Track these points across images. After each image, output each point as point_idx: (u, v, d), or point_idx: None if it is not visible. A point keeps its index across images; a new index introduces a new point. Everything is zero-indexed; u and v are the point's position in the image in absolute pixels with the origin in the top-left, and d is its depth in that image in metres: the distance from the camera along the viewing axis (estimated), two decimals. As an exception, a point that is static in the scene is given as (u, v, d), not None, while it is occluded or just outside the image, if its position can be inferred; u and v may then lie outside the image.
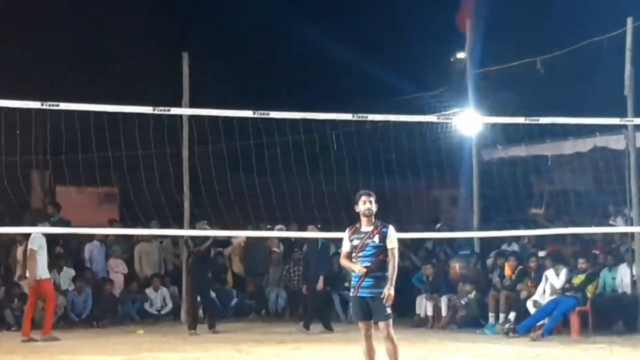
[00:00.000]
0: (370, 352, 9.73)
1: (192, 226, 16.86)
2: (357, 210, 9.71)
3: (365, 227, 9.62)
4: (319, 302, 16.44)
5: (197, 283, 16.17)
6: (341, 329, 16.38)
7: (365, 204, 9.61)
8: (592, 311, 15.15)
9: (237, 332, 16.02)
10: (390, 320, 9.60)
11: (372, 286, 9.50)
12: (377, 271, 9.51)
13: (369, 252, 9.52)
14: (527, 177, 21.21)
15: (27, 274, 15.08)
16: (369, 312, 9.56)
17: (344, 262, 9.86)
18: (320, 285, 16.09)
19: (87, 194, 22.45)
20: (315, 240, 16.57)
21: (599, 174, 18.37)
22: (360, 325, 9.69)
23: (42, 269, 14.98)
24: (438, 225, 19.24)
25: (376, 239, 9.55)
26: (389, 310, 9.54)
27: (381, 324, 9.55)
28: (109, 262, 18.63)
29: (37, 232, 14.81)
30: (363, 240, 9.54)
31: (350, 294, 9.73)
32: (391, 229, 9.66)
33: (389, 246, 9.59)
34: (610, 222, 18.20)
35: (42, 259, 15.00)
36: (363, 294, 9.53)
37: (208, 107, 13.38)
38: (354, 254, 9.60)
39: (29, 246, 14.91)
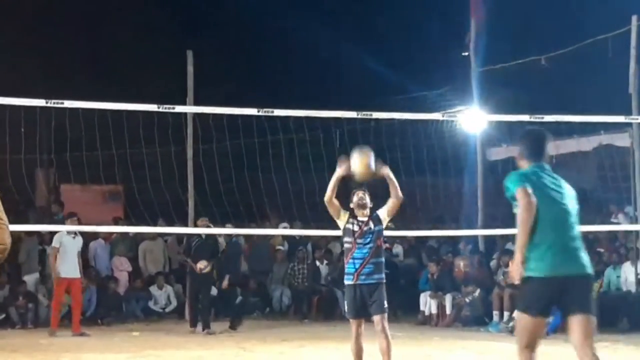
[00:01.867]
0: (360, 352, 9.65)
1: (196, 224, 16.85)
2: (352, 207, 9.67)
3: (361, 217, 9.59)
4: (227, 300, 16.55)
5: (198, 282, 16.08)
6: (345, 326, 16.37)
7: (358, 195, 9.58)
8: (597, 309, 15.12)
9: (241, 330, 16.01)
10: (386, 315, 9.51)
11: (373, 272, 9.36)
12: (376, 257, 9.42)
13: (368, 239, 9.41)
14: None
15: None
16: (363, 306, 9.44)
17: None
18: (225, 284, 16.26)
19: (92, 192, 22.45)
20: (229, 238, 16.79)
21: (604, 172, 18.37)
22: (352, 323, 9.55)
23: (60, 267, 15.18)
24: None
25: (371, 224, 9.47)
26: (385, 304, 9.46)
27: (376, 318, 9.36)
28: (113, 260, 18.64)
29: (61, 231, 15.12)
30: (362, 228, 9.49)
31: (348, 282, 9.47)
32: (380, 209, 9.62)
33: (385, 214, 9.54)
34: (612, 220, 18.21)
35: (63, 257, 15.20)
36: (363, 281, 9.38)
37: (212, 105, 13.40)
38: (351, 239, 9.51)
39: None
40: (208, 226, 15.74)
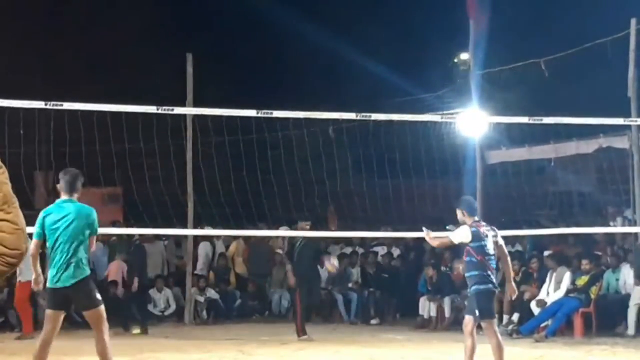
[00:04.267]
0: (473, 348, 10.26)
1: (196, 226, 16.79)
2: None
3: None
4: (135, 303, 16.55)
5: (305, 285, 15.25)
6: (345, 329, 16.38)
7: None
8: (596, 312, 15.14)
9: (241, 333, 15.99)
10: (486, 320, 10.21)
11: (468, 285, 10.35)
12: (465, 272, 10.41)
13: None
14: (531, 178, 21.19)
15: None
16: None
17: None
18: (134, 286, 16.28)
19: (91, 194, 22.39)
20: (133, 241, 16.79)
21: (603, 175, 18.33)
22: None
23: (21, 272, 15.34)
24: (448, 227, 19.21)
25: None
26: (476, 312, 10.15)
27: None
28: (117, 263, 18.56)
29: None
30: None
31: None
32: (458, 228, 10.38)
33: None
34: (611, 223, 18.20)
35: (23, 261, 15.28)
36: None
37: (211, 107, 13.37)
38: None
39: None
40: (305, 229, 15.25)
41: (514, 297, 11.38)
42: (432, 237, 10.48)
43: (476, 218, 10.31)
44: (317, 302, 15.74)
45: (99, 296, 9.04)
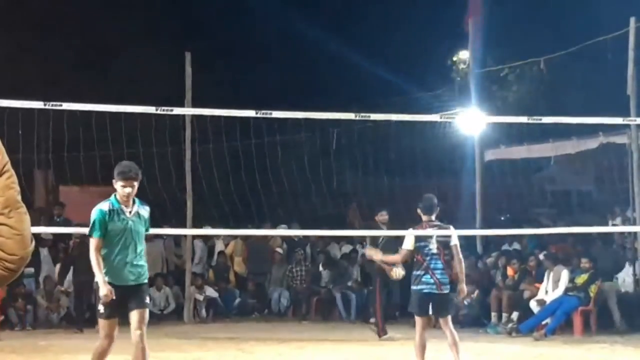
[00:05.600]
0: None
1: (195, 225, 16.82)
2: None
3: None
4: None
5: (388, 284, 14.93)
6: (343, 328, 16.38)
7: None
8: (595, 311, 15.15)
9: (240, 332, 16.00)
10: (416, 317, 10.48)
11: None
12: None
13: None
14: (530, 177, 21.21)
15: None
16: None
17: None
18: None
19: (89, 193, 22.41)
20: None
21: (602, 174, 18.34)
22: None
23: None
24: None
25: None
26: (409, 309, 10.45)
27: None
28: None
29: None
30: None
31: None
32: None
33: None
34: (610, 222, 18.22)
35: None
36: None
37: (210, 107, 13.37)
38: None
39: None
40: (383, 222, 14.82)
41: (462, 298, 11.36)
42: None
43: (432, 217, 10.22)
44: (396, 300, 15.64)
45: (99, 308, 8.92)
